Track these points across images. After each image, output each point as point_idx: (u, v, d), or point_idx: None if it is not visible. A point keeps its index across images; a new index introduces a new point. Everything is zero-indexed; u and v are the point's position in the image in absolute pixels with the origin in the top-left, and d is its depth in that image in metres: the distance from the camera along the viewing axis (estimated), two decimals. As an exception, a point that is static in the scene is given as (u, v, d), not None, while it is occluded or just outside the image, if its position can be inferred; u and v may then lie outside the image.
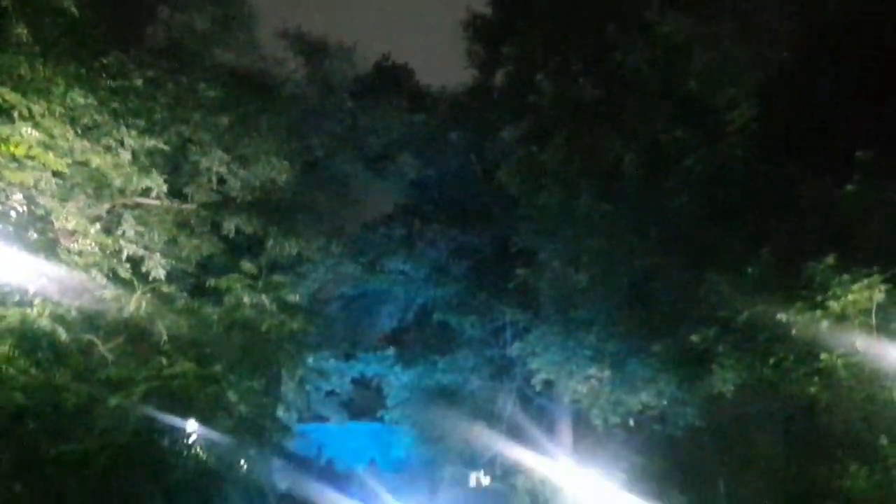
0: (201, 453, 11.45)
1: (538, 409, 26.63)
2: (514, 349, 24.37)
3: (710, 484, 18.20)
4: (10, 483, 9.12)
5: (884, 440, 12.89)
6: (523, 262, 22.85)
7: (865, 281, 12.60)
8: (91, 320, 11.15)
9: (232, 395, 12.27)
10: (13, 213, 10.24)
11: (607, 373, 20.71)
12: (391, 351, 29.04)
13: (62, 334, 10.36)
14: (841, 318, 12.98)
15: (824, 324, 13.06)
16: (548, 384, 23.26)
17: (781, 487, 18.06)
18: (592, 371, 21.20)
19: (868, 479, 12.64)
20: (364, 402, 33.91)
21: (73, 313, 10.68)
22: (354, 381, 32.93)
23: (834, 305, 12.92)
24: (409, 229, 28.04)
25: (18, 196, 10.17)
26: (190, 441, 11.17)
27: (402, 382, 28.43)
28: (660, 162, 18.83)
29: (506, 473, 25.49)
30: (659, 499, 19.61)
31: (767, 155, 16.62)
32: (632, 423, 21.91)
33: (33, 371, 10.28)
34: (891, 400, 12.62)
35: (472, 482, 30.76)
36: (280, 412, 15.36)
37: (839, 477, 13.51)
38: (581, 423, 25.96)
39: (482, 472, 29.67)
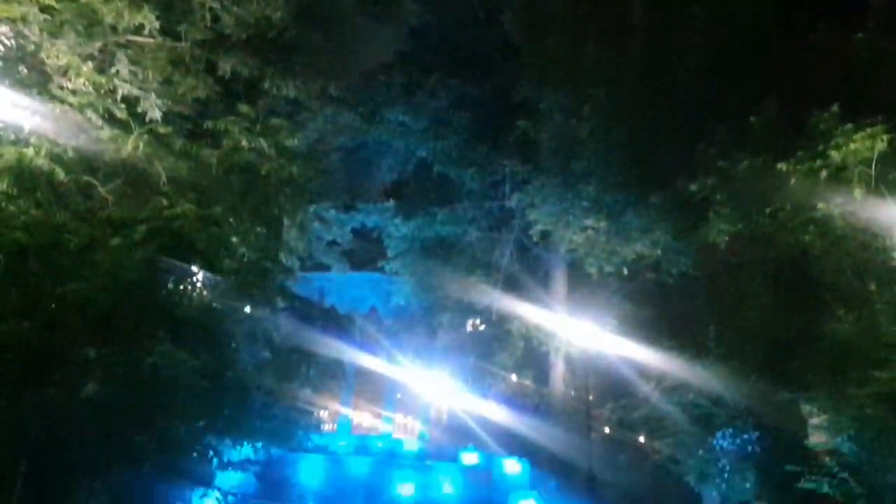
0: (206, 293, 11.70)
1: (535, 259, 27.09)
2: (512, 201, 24.53)
3: (700, 331, 18.71)
4: (19, 321, 9.33)
5: (873, 286, 13.14)
6: (524, 114, 22.63)
7: (868, 130, 12.48)
8: (88, 161, 11.10)
9: (234, 238, 12.41)
10: (0, 47, 10.00)
11: (604, 223, 20.91)
12: (391, 203, 29.19)
13: (60, 174, 10.37)
14: (841, 168, 12.96)
15: (823, 174, 13.04)
16: (545, 235, 23.56)
17: (769, 334, 18.62)
18: (589, 222, 21.42)
19: (855, 323, 12.97)
20: (365, 253, 34.40)
21: (71, 153, 10.63)
22: (355, 232, 33.29)
23: (835, 155, 12.87)
24: (409, 78, 27.43)
25: (4, 28, 9.89)
26: (194, 281, 11.38)
27: (402, 233, 28.72)
28: (667, 8, 18.27)
29: (501, 320, 26.18)
30: (649, 345, 20.21)
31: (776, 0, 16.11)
32: (626, 272, 22.36)
33: (33, 212, 10.35)
34: (884, 248, 12.78)
35: (469, 328, 31.71)
36: (283, 257, 15.54)
37: (827, 322, 13.85)
38: (576, 273, 26.51)
39: (478, 319, 30.51)
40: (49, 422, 8.99)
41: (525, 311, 25.47)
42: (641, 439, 22.93)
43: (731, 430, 15.41)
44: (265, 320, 13.96)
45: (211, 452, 12.60)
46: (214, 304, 11.70)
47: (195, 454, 12.21)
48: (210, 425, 12.28)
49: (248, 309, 13.15)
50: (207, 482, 14.30)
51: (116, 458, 10.09)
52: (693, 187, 16.02)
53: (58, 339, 9.19)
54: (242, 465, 15.48)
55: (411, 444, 29.71)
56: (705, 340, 18.07)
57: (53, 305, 9.57)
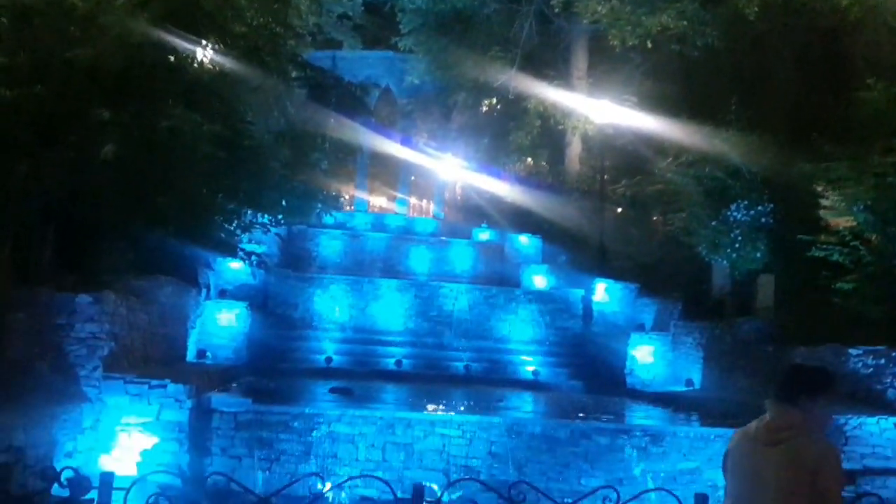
0: (218, 58, 11.41)
1: (555, 33, 26.15)
2: (534, -32, 23.25)
3: (722, 105, 18.32)
4: (30, 85, 9.17)
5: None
6: None
7: None
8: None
9: (242, 1, 11.91)
10: None
11: (629, -8, 19.94)
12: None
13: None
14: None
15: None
16: (567, 5, 22.57)
17: (790, 112, 18.29)
18: (614, -10, 20.43)
19: (885, 91, 12.61)
20: (377, 30, 33.37)
21: None
22: (367, 7, 32.12)
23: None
24: None
25: None
26: (204, 48, 11.05)
27: (416, 6, 27.50)
28: None
29: (518, 98, 25.73)
30: (668, 122, 19.92)
31: None
32: (649, 44, 21.64)
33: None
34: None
35: (485, 107, 31.29)
36: (293, 22, 14.95)
37: (855, 89, 13.45)
38: (596, 49, 25.73)
39: (494, 98, 30.01)
40: (71, 183, 9.08)
41: (543, 89, 24.95)
42: (654, 219, 23.21)
43: (745, 202, 15.44)
44: (278, 90, 13.72)
45: (234, 217, 12.84)
46: (226, 70, 11.41)
47: (218, 218, 12.47)
48: (230, 197, 12.45)
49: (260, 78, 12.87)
50: (232, 247, 14.73)
51: (140, 219, 10.31)
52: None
53: (70, 102, 9.05)
54: (264, 227, 15.80)
55: (426, 224, 30.34)
56: (726, 115, 17.71)
57: (64, 70, 9.32)
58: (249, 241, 16.31)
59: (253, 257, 15.06)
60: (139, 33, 9.66)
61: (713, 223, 15.70)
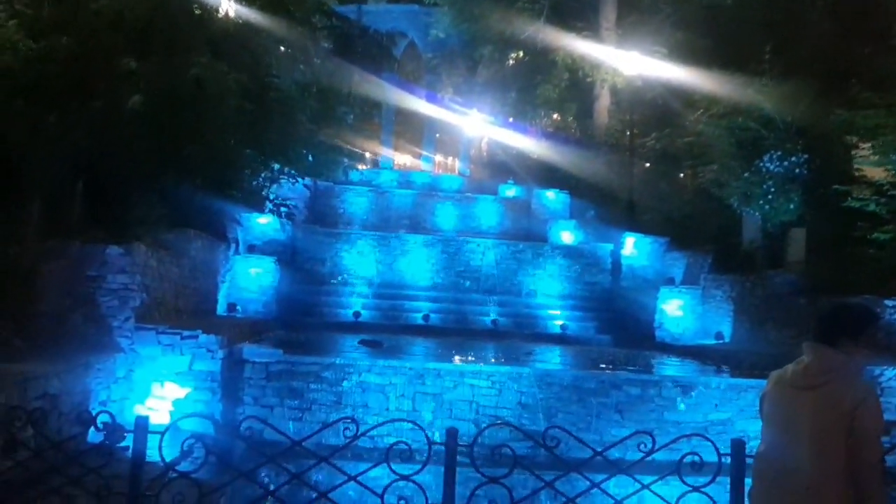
0: (243, 9, 11.29)
1: (582, -18, 25.66)
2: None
3: (754, 56, 17.87)
4: (57, 35, 9.13)
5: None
6: None
7: None
8: None
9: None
10: None
11: (661, -62, 19.42)
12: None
13: None
14: None
15: None
16: (595, -47, 22.10)
17: (824, 62, 17.79)
18: (645, -63, 19.92)
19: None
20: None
21: None
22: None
23: None
24: None
25: None
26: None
27: (441, -44, 27.12)
28: None
29: (546, 51, 25.33)
30: (700, 73, 19.49)
31: None
32: (680, -5, 21.21)
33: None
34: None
35: (511, 61, 30.87)
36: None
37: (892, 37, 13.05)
38: (626, -1, 25.24)
39: (521, 52, 29.60)
40: (100, 135, 9.07)
41: (571, 41, 24.56)
42: (682, 175, 22.84)
43: (778, 152, 15.11)
44: (304, 41, 13.57)
45: (262, 169, 12.80)
46: (251, 21, 11.29)
47: (246, 172, 12.45)
48: (257, 149, 12.41)
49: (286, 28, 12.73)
50: (261, 200, 14.74)
51: (169, 171, 10.32)
52: None
53: (96, 53, 9.00)
54: (292, 178, 15.77)
55: (452, 181, 30.21)
56: (759, 64, 17.28)
57: (89, 21, 9.26)
58: (277, 198, 16.32)
59: (282, 209, 15.04)
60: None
61: (745, 175, 15.40)
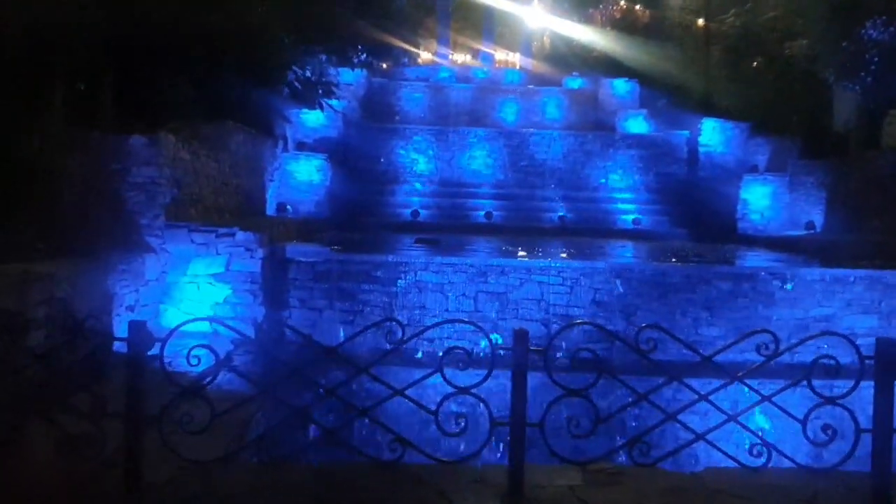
0: None
1: None
2: None
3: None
4: None
5: None
6: None
7: None
8: None
9: None
10: None
11: None
12: None
13: None
14: None
15: None
16: None
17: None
18: None
19: None
20: None
21: None
22: None
23: None
24: None
25: None
26: None
27: None
28: None
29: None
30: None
31: None
32: None
33: None
34: None
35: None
36: None
37: None
38: None
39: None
40: (113, 6, 8.01)
41: None
42: (759, 60, 20.82)
43: (883, 17, 13.25)
44: None
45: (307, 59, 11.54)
46: None
47: (286, 57, 11.24)
48: (296, 24, 11.15)
49: None
50: (309, 94, 13.65)
51: (196, 46, 9.21)
52: None
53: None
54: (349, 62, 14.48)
55: (513, 75, 28.64)
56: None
57: None
58: (327, 92, 15.20)
59: (333, 103, 13.89)
60: None
61: (844, 44, 13.59)
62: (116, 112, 9.61)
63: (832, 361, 4.04)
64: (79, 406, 3.77)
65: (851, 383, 3.96)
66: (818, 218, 14.35)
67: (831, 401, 4.08)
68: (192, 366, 3.91)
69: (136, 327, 3.87)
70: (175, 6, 8.55)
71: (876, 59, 13.11)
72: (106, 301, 6.84)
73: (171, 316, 8.09)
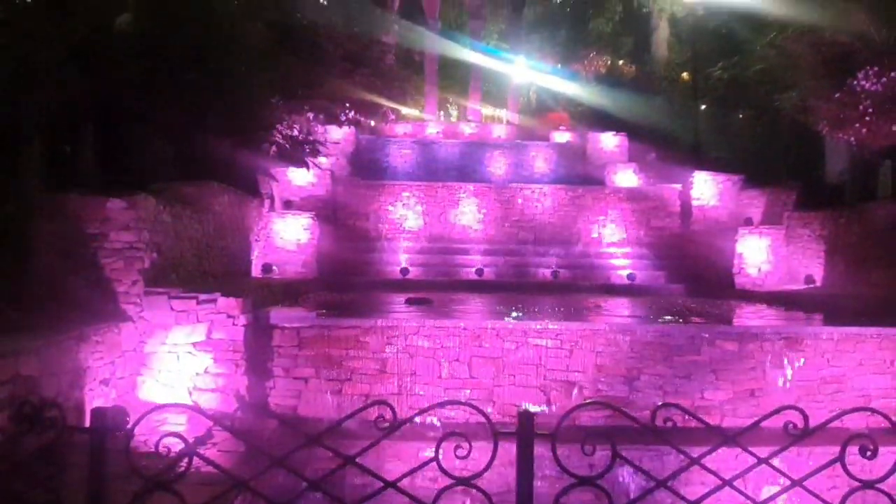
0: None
1: None
2: None
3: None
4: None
5: None
6: None
7: None
8: None
9: None
10: None
11: None
12: None
13: None
14: None
15: None
16: None
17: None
18: None
19: None
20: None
21: None
22: None
23: None
24: None
25: None
26: None
27: None
28: None
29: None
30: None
31: None
32: None
33: None
34: None
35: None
36: None
37: None
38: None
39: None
40: (85, 63, 7.72)
41: (625, -33, 22.58)
42: (745, 112, 20.78)
43: (875, 68, 13.18)
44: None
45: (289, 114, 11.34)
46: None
47: (266, 114, 10.99)
48: (280, 82, 10.90)
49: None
50: (295, 153, 13.39)
51: (172, 105, 8.91)
52: None
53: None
54: (336, 120, 14.29)
55: (500, 130, 28.67)
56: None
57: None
58: (313, 150, 14.97)
59: (322, 158, 13.63)
60: None
61: (836, 95, 13.47)
62: (95, 172, 9.29)
63: (869, 446, 3.65)
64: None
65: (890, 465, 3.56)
66: (817, 271, 14.07)
67: (869, 485, 3.68)
68: (162, 454, 3.48)
69: (99, 416, 3.45)
70: (154, 64, 8.27)
71: (870, 109, 12.96)
72: (78, 376, 6.40)
73: (149, 388, 7.64)
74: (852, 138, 13.46)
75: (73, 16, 7.55)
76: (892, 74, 13.08)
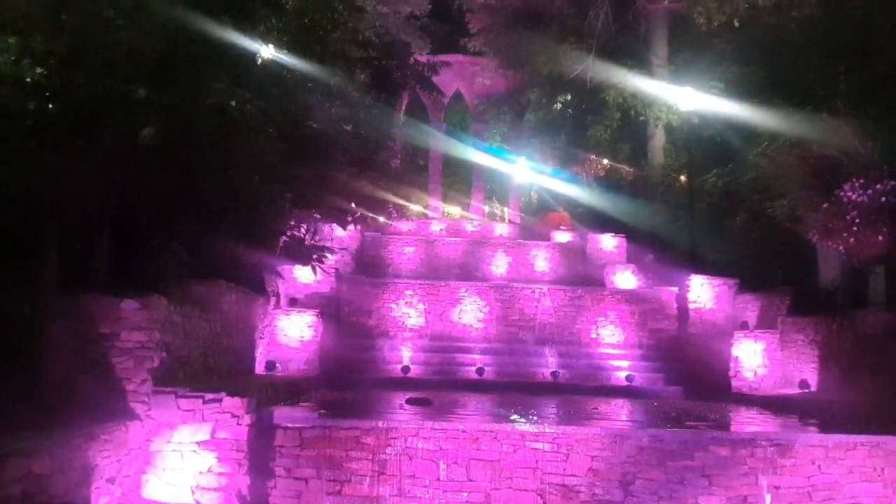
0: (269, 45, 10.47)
1: (633, 18, 24.62)
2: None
3: (823, 83, 16.64)
4: (69, 71, 8.36)
5: None
6: None
7: None
8: None
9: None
10: None
11: (717, -36, 18.36)
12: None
13: None
14: None
15: None
16: (647, -17, 21.13)
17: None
18: (699, -37, 18.89)
19: None
20: (445, 37, 32.53)
21: None
22: (434, 14, 31.34)
23: None
24: None
25: None
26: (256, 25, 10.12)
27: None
28: None
29: (595, 90, 24.22)
30: (761, 108, 18.25)
31: None
32: (736, 23, 20.06)
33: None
34: None
35: (559, 104, 29.86)
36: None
37: None
38: (679, 32, 24.13)
39: (570, 95, 28.56)
40: (108, 173, 8.17)
41: (622, 78, 23.45)
42: (741, 216, 21.34)
43: (861, 180, 13.70)
44: (339, 75, 12.68)
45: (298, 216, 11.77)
46: (280, 54, 10.44)
47: (279, 218, 11.47)
48: (293, 192, 11.43)
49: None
50: (301, 251, 13.80)
51: (188, 212, 9.35)
52: None
53: (109, 84, 8.13)
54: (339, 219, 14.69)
55: (502, 229, 29.31)
56: (830, 93, 16.00)
57: (103, 53, 8.43)
58: (319, 249, 15.41)
59: (325, 259, 14.03)
60: (183, 15, 8.74)
61: (825, 206, 13.95)
62: (108, 273, 9.64)
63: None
64: None
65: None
66: (812, 375, 14.25)
67: None
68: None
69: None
70: (173, 175, 8.74)
71: (857, 220, 13.41)
72: (86, 474, 6.59)
73: (153, 487, 7.80)
74: (841, 247, 13.86)
75: (101, 130, 8.07)
76: (878, 186, 13.59)
